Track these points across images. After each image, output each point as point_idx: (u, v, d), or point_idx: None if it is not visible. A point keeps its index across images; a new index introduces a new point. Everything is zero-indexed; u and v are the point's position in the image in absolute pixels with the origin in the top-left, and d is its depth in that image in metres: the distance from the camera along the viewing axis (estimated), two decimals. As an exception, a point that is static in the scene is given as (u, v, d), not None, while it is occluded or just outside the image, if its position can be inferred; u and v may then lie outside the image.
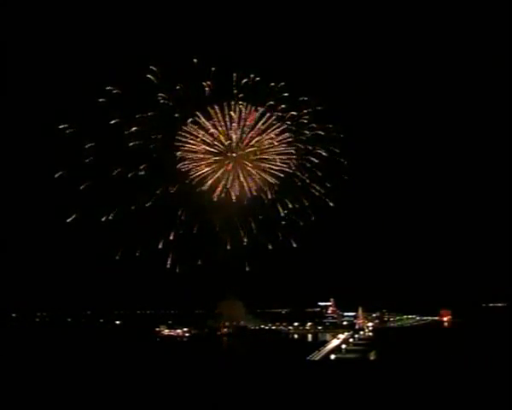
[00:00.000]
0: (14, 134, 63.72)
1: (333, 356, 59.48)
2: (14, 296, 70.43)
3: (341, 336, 73.88)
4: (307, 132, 68.08)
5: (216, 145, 68.65)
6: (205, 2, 60.24)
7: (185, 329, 79.09)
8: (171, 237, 67.16)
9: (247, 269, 69.00)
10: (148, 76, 62.76)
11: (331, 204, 68.76)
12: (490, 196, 67.30)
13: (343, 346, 67.11)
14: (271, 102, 66.34)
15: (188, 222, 67.78)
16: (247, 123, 67.71)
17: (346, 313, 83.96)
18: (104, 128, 63.21)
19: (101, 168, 64.01)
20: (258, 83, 64.78)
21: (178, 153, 67.61)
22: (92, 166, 63.99)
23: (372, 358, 61.50)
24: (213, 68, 63.12)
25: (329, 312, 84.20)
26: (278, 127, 68.05)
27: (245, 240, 69.66)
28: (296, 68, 61.21)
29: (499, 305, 73.89)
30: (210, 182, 69.39)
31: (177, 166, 67.85)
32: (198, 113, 66.53)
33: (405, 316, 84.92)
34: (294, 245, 68.85)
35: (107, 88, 62.31)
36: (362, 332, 78.91)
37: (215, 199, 69.53)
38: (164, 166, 67.11)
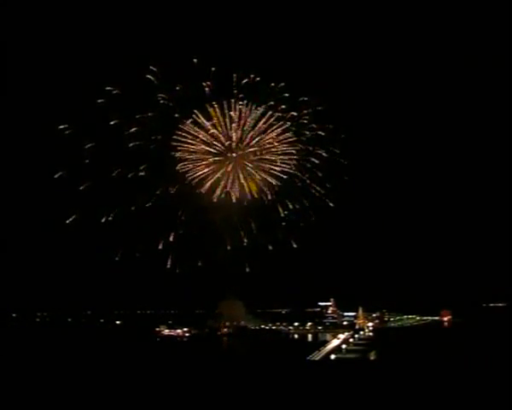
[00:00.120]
0: (13, 135, 63.71)
1: (333, 356, 59.50)
2: (14, 296, 70.45)
3: (341, 336, 73.88)
4: (307, 133, 68.16)
5: (216, 145, 68.70)
6: (205, 2, 60.18)
7: (185, 329, 79.06)
8: (171, 239, 67.27)
9: (247, 270, 69.13)
10: (148, 76, 62.80)
11: (331, 205, 68.88)
12: (490, 197, 67.26)
13: (343, 346, 67.13)
14: (271, 103, 66.44)
15: (188, 223, 67.85)
16: (248, 123, 67.79)
17: (346, 313, 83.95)
18: (104, 129, 63.28)
19: (101, 169, 64.10)
20: (259, 83, 64.84)
21: (178, 153, 67.69)
22: (92, 167, 64.08)
23: (372, 358, 61.52)
24: (213, 68, 63.20)
25: (329, 312, 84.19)
26: (279, 127, 68.11)
27: (245, 240, 69.79)
28: (296, 69, 61.23)
29: (499, 305, 73.88)
30: (210, 182, 69.48)
31: (177, 166, 67.94)
32: (198, 113, 66.59)
33: (405, 316, 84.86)
34: (295, 245, 68.96)
35: (107, 88, 62.41)
36: (362, 332, 78.89)
37: (215, 200, 69.62)
38: (164, 167, 67.17)
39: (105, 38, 59.12)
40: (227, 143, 68.60)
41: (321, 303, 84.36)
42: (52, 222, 65.24)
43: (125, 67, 60.24)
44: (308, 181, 69.36)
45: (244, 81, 64.50)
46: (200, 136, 67.84)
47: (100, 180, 64.32)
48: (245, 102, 66.37)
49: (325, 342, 69.32)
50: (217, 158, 69.25)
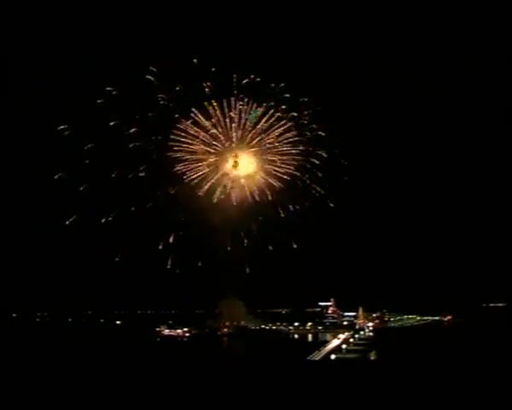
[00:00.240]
0: (13, 135, 63.71)
1: (333, 356, 59.52)
2: (14, 296, 70.50)
3: (342, 336, 73.91)
4: (308, 133, 68.16)
5: (216, 145, 68.70)
6: (205, 3, 60.17)
7: (185, 329, 79.09)
8: (171, 240, 67.27)
9: (248, 271, 69.15)
10: (148, 76, 62.75)
11: (331, 205, 68.88)
12: (490, 197, 67.29)
13: (343, 346, 67.15)
14: (272, 103, 66.41)
15: (188, 223, 67.84)
16: (248, 123, 67.76)
17: (346, 313, 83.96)
18: (103, 129, 63.26)
19: (101, 169, 64.09)
20: (259, 83, 64.78)
21: (178, 154, 67.69)
22: (92, 168, 64.07)
23: (372, 358, 61.54)
24: (213, 69, 63.16)
25: (330, 312, 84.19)
26: (280, 127, 68.09)
27: (245, 241, 69.84)
28: (296, 69, 61.19)
29: (499, 305, 73.90)
30: (210, 183, 69.50)
31: (177, 167, 67.95)
32: (197, 113, 66.58)
33: (406, 316, 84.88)
34: (295, 246, 68.94)
35: (107, 89, 62.37)
36: (362, 332, 78.90)
37: (215, 200, 69.66)
38: (164, 168, 67.17)
39: (104, 39, 59.13)
40: (227, 144, 68.68)
41: (321, 303, 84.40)
42: (52, 223, 65.36)
43: (124, 67, 60.23)
44: (308, 181, 69.47)
45: (244, 81, 64.52)
46: (201, 136, 67.87)
47: (100, 181, 64.37)
48: (245, 101, 66.36)
49: (325, 342, 69.35)
50: (217, 158, 69.32)
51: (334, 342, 69.61)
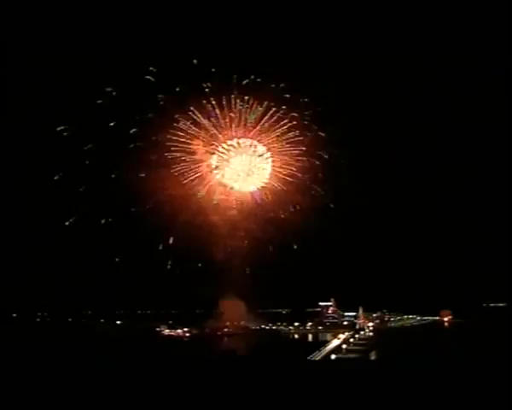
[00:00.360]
0: (12, 136, 63.71)
1: (333, 356, 59.59)
2: (14, 296, 70.52)
3: (342, 336, 73.98)
4: (308, 134, 68.13)
5: (216, 146, 68.75)
6: (205, 3, 60.14)
7: (186, 329, 79.16)
8: (171, 241, 67.28)
9: (248, 272, 69.16)
10: (148, 77, 62.68)
11: (331, 205, 68.87)
12: (490, 197, 67.28)
13: (344, 346, 67.23)
14: (272, 104, 66.36)
15: (188, 224, 67.84)
16: (249, 123, 67.79)
17: (346, 313, 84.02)
18: (103, 130, 63.22)
19: (101, 170, 64.06)
20: (259, 84, 64.72)
21: (178, 154, 67.70)
22: (92, 168, 64.05)
23: (373, 358, 61.63)
24: (213, 69, 63.08)
25: (330, 312, 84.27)
26: (280, 127, 68.08)
27: (245, 241, 69.91)
28: (296, 69, 61.09)
29: (499, 305, 73.94)
30: (210, 183, 69.56)
31: (177, 167, 67.97)
32: (197, 113, 66.61)
33: (406, 316, 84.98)
34: (295, 247, 68.94)
35: (107, 89, 62.32)
36: (362, 332, 78.98)
37: (215, 201, 69.70)
38: (164, 168, 67.18)
39: (104, 39, 59.10)
40: (228, 143, 68.71)
41: (321, 303, 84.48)
42: (52, 223, 65.39)
43: (124, 68, 60.17)
44: (308, 182, 69.50)
45: (244, 82, 64.45)
46: (201, 137, 67.90)
47: (100, 181, 64.38)
48: (246, 100, 66.29)
49: (326, 343, 69.39)
50: (217, 158, 69.38)
51: (335, 342, 69.69)
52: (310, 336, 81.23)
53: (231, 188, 71.14)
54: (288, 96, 65.41)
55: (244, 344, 73.91)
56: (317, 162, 68.60)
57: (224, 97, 65.43)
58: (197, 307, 79.14)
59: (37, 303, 76.19)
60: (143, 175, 65.41)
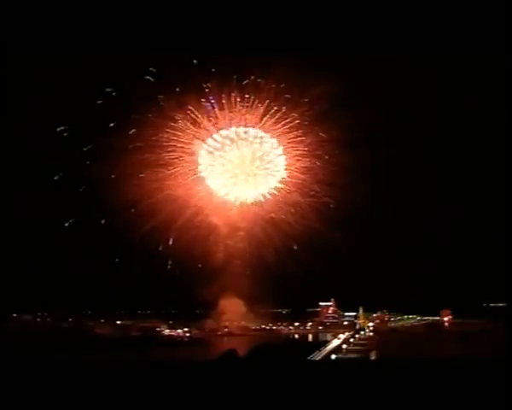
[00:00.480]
0: (12, 136, 63.65)
1: (333, 356, 59.60)
2: (14, 297, 70.50)
3: (342, 336, 73.99)
4: (308, 134, 68.14)
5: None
6: (205, 3, 60.01)
7: (186, 329, 79.18)
8: (171, 242, 67.37)
9: (248, 273, 69.20)
10: (148, 77, 62.70)
11: (331, 206, 68.91)
12: (490, 196, 67.18)
13: (344, 346, 67.23)
14: (272, 104, 66.37)
15: (188, 224, 67.91)
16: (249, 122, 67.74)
17: (346, 313, 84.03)
18: (103, 130, 63.25)
19: (101, 171, 64.08)
20: (259, 84, 64.73)
21: (177, 154, 67.73)
22: (91, 169, 64.07)
23: (373, 358, 61.65)
24: (213, 69, 63.09)
25: (330, 312, 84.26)
26: (282, 127, 68.01)
27: (246, 241, 69.99)
28: (297, 69, 60.99)
29: (499, 305, 73.84)
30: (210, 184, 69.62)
31: (177, 167, 68.00)
32: (197, 113, 66.63)
33: (406, 316, 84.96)
34: (295, 247, 68.98)
35: (107, 90, 62.35)
36: (362, 332, 78.99)
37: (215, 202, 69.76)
38: (164, 168, 67.23)
39: (104, 39, 58.98)
40: (223, 135, 68.27)
41: (321, 303, 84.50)
42: (52, 223, 65.42)
43: (123, 68, 60.09)
44: (308, 182, 69.53)
45: (245, 82, 64.45)
46: (201, 138, 67.95)
47: (99, 182, 64.41)
48: (246, 100, 66.28)
49: (326, 343, 69.39)
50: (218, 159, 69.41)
51: (335, 343, 69.71)
52: (310, 336, 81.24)
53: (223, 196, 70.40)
54: (288, 96, 65.59)
55: (243, 344, 73.89)
56: (318, 162, 68.82)
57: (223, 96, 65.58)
58: (197, 307, 79.10)
59: (38, 303, 76.17)
60: (143, 175, 65.61)
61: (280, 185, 70.43)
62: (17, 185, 64.56)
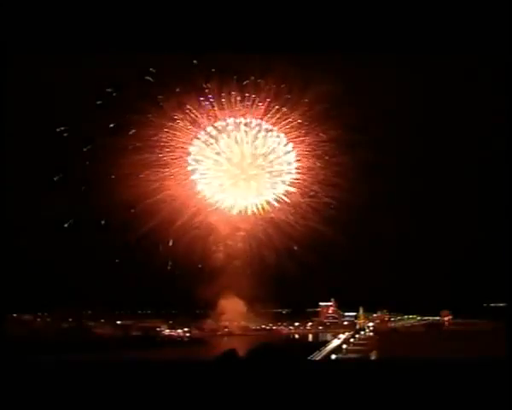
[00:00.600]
0: (12, 136, 63.57)
1: (333, 356, 59.66)
2: (14, 296, 70.46)
3: (342, 336, 74.03)
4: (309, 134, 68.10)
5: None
6: (205, 4, 59.98)
7: (186, 329, 79.18)
8: (171, 243, 67.36)
9: (248, 273, 69.19)
10: (148, 78, 62.75)
11: (332, 206, 68.89)
12: (490, 196, 67.18)
13: (344, 346, 67.27)
14: (273, 104, 66.34)
15: (188, 224, 67.88)
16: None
17: (346, 313, 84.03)
18: (103, 130, 63.29)
19: (101, 171, 64.12)
20: (259, 85, 64.72)
21: (177, 154, 67.69)
22: (91, 169, 64.12)
23: (373, 358, 61.69)
24: (213, 70, 63.13)
25: (330, 312, 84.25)
26: (283, 127, 67.91)
27: (246, 241, 69.90)
28: (297, 70, 61.04)
29: (499, 305, 73.87)
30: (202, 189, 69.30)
31: (176, 168, 67.97)
32: (198, 113, 66.60)
33: (406, 316, 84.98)
34: (295, 247, 68.96)
35: (107, 90, 62.41)
36: (362, 332, 79.00)
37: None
38: (163, 168, 67.20)
39: (104, 39, 58.97)
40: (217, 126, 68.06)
41: (321, 303, 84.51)
42: (52, 224, 65.41)
43: (123, 68, 60.11)
44: (309, 182, 69.49)
45: (245, 83, 64.45)
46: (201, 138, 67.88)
47: (99, 182, 64.43)
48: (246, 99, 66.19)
49: (326, 343, 69.42)
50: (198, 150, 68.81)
51: (335, 343, 69.75)
52: (310, 336, 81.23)
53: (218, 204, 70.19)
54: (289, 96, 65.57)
55: (244, 344, 73.89)
56: (318, 162, 68.80)
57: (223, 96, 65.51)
58: (197, 307, 79.10)
59: (38, 303, 76.17)
60: (142, 175, 65.60)
61: (291, 189, 69.29)
62: (17, 185, 64.55)
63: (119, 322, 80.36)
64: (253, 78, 63.75)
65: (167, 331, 79.42)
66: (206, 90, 64.45)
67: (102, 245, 65.25)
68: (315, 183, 69.25)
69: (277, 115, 66.81)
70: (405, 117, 66.49)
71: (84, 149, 63.53)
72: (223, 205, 69.17)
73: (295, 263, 67.70)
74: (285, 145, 66.84)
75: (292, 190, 67.76)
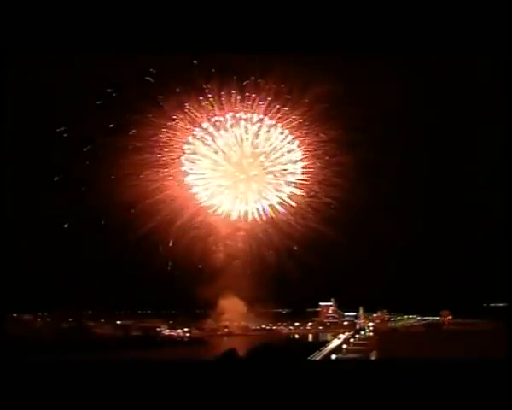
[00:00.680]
0: (12, 136, 63.57)
1: (334, 356, 59.67)
2: (14, 296, 70.49)
3: (342, 336, 74.04)
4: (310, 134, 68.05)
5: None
6: (205, 4, 59.96)
7: (186, 329, 79.22)
8: (171, 243, 67.35)
9: (248, 273, 69.19)
10: (148, 78, 62.72)
11: (332, 206, 68.87)
12: (490, 196, 67.19)
13: (344, 346, 67.27)
14: (274, 104, 66.28)
15: (188, 225, 67.85)
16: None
17: (346, 313, 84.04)
18: (103, 131, 63.27)
19: (101, 171, 64.10)
20: (259, 85, 64.67)
21: (178, 154, 67.66)
22: (91, 170, 64.10)
23: (373, 358, 61.70)
24: (213, 70, 63.09)
25: (330, 312, 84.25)
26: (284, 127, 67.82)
27: (246, 241, 69.88)
28: (297, 69, 60.98)
29: (499, 305, 73.90)
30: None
31: (176, 167, 67.93)
32: (198, 114, 66.57)
33: (406, 316, 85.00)
34: (295, 248, 68.95)
35: (107, 90, 62.39)
36: (363, 332, 79.01)
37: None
38: (163, 168, 67.18)
39: (104, 39, 58.94)
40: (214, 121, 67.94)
41: (321, 303, 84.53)
42: (52, 224, 65.42)
43: (123, 68, 60.07)
44: (309, 182, 69.48)
45: (245, 83, 64.39)
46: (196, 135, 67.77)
47: (99, 182, 64.42)
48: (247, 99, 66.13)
49: (326, 343, 69.42)
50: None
51: (335, 343, 69.75)
52: (310, 336, 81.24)
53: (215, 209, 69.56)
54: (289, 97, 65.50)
55: (244, 344, 73.89)
56: (319, 162, 68.79)
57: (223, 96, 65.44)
58: (197, 307, 79.12)
59: (38, 303, 76.19)
60: (142, 176, 65.59)
61: (298, 192, 68.62)
62: (17, 185, 64.57)
63: (119, 322, 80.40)
64: (253, 78, 63.73)
65: (167, 331, 79.44)
66: (206, 90, 64.42)
67: (102, 245, 65.27)
68: (315, 183, 69.27)
69: (278, 115, 66.85)
70: (405, 117, 66.47)
71: (84, 149, 63.54)
72: (219, 210, 68.63)
73: (295, 263, 67.76)
74: (289, 142, 65.12)
75: (297, 192, 66.28)
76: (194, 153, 64.95)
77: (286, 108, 66.11)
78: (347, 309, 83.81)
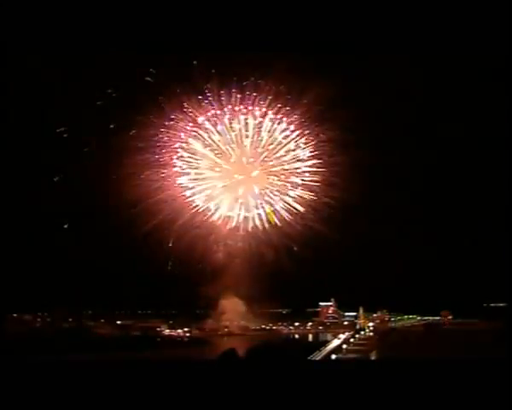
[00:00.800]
0: (11, 136, 63.63)
1: (334, 356, 59.67)
2: (14, 296, 70.52)
3: (342, 337, 74.03)
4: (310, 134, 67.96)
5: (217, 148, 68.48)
6: (205, 4, 59.95)
7: (186, 329, 79.24)
8: (171, 244, 67.31)
9: (248, 272, 69.09)
10: (148, 78, 62.67)
11: (331, 206, 68.80)
12: (490, 196, 67.21)
13: (344, 346, 67.25)
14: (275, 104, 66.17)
15: (188, 225, 67.86)
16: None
17: (346, 313, 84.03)
18: (103, 131, 63.24)
19: (101, 172, 64.09)
20: (259, 85, 64.60)
21: (176, 154, 67.63)
22: (91, 170, 64.06)
23: (373, 358, 61.69)
24: (213, 70, 63.01)
25: (330, 312, 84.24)
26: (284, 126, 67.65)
27: (246, 241, 69.86)
28: (297, 70, 60.90)
29: (499, 305, 73.94)
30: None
31: (176, 167, 67.92)
32: (198, 114, 66.56)
33: (406, 316, 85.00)
34: (295, 248, 68.89)
35: (108, 91, 62.36)
36: (363, 332, 79.02)
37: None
38: (163, 168, 67.20)
39: (104, 39, 58.92)
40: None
41: (321, 303, 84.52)
42: (52, 224, 65.44)
43: (123, 68, 60.05)
44: (309, 182, 69.45)
45: (245, 83, 64.35)
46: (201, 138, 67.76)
47: (99, 182, 64.40)
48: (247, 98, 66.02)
49: (326, 343, 69.41)
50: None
51: (335, 343, 69.74)
52: (310, 336, 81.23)
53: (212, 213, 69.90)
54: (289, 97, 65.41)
55: (244, 344, 73.89)
56: (319, 162, 68.71)
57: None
58: (197, 307, 79.13)
59: (38, 303, 76.22)
60: (143, 176, 65.59)
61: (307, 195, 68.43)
62: (17, 186, 64.58)
63: (119, 322, 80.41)
64: (253, 78, 63.67)
65: (167, 331, 79.46)
66: (206, 90, 64.41)
67: (102, 245, 65.24)
68: (316, 183, 69.22)
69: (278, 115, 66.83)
70: (405, 117, 66.40)
71: (84, 149, 63.53)
72: (216, 216, 68.48)
73: (295, 263, 67.69)
74: (294, 139, 63.42)
75: (305, 195, 64.36)
76: (189, 151, 64.40)
77: (286, 108, 66.06)
78: (347, 309, 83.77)
